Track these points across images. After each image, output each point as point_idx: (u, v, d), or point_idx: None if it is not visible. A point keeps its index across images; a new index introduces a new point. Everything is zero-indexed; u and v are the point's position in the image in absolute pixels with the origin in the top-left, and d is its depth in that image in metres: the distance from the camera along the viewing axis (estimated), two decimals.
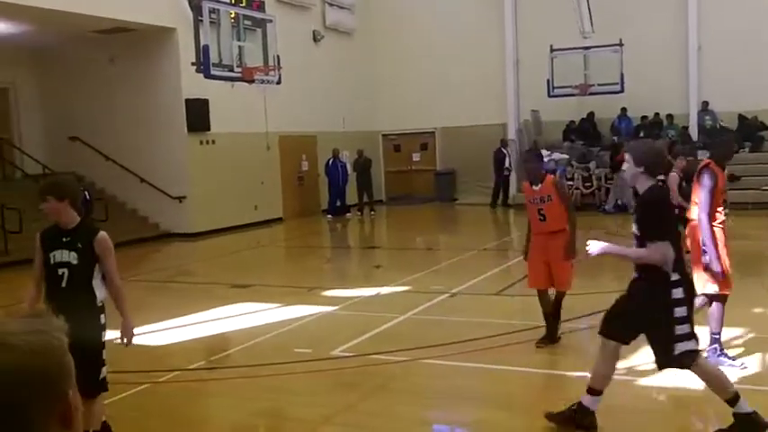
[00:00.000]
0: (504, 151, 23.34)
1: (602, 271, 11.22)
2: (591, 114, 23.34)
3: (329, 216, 21.96)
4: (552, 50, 21.84)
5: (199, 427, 6.03)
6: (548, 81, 22.00)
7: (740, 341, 7.46)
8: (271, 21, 15.33)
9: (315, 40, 23.51)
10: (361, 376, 6.88)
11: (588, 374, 5.32)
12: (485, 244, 15.57)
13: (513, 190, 23.28)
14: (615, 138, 22.27)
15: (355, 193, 22.62)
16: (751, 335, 7.66)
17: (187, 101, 18.19)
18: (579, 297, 9.83)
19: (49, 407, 1.34)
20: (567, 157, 22.61)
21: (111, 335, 5.00)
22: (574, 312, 8.77)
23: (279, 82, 15.47)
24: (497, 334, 7.87)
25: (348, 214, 22.23)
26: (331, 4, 24.09)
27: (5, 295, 9.74)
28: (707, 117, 22.10)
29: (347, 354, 7.42)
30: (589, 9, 21.13)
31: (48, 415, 1.33)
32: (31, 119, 19.78)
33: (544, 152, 22.87)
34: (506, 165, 23.30)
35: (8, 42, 17.97)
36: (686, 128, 22.00)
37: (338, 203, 22.22)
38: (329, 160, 22.23)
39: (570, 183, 21.48)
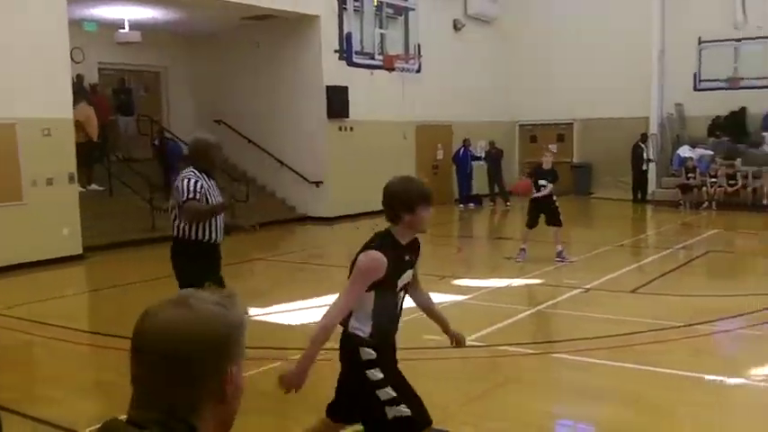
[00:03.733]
0: (642, 146, 22.65)
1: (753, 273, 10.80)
2: (743, 109, 22.26)
3: (461, 206, 22.03)
4: (700, 42, 20.99)
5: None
6: (695, 74, 21.17)
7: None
8: (413, 9, 15.45)
9: (455, 28, 23.55)
10: (490, 366, 6.95)
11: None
12: (620, 240, 15.23)
13: (652, 186, 22.59)
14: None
15: (486, 184, 22.60)
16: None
17: (328, 87, 18.65)
18: (723, 298, 9.54)
19: (210, 374, 1.45)
20: (711, 152, 21.72)
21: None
22: (716, 314, 8.52)
23: (418, 70, 15.59)
24: (630, 332, 7.75)
25: (473, 205, 22.13)
26: None
27: (152, 269, 10.23)
28: None
29: (478, 343, 7.49)
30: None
31: (208, 380, 1.45)
32: (181, 102, 20.83)
33: (686, 148, 22.15)
34: (645, 159, 22.61)
35: (164, 28, 19.00)
36: None
37: (469, 193, 22.25)
38: (459, 149, 22.27)
39: (714, 180, 20.65)
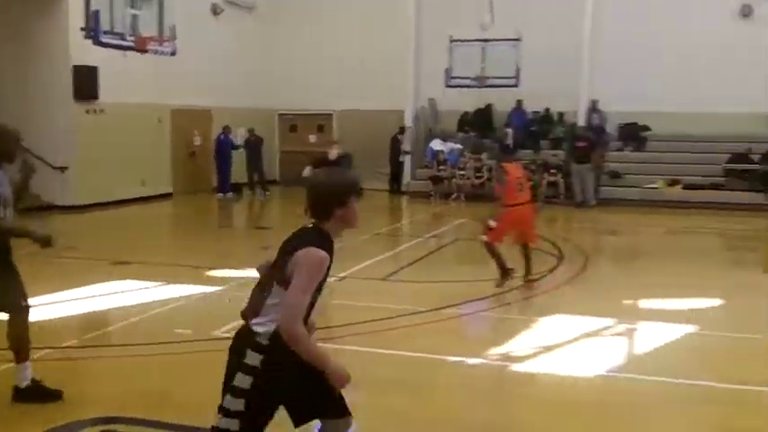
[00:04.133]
0: (400, 138, 23.49)
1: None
2: (489, 106, 23.71)
3: (220, 194, 21.61)
4: (452, 41, 22.06)
5: (73, 405, 5.81)
6: (446, 71, 22.22)
7: (610, 331, 7.81)
8: None
9: (214, 13, 23.02)
10: None
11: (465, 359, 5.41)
12: (377, 229, 15.64)
13: (407, 177, 23.51)
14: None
15: (245, 173, 22.36)
16: (621, 325, 8.01)
17: (75, 67, 17.49)
18: (468, 283, 10.04)
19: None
20: (460, 146, 22.94)
21: None
22: (457, 298, 8.95)
23: (173, 54, 15.02)
24: (381, 318, 7.94)
25: (231, 194, 21.85)
26: None
27: None
28: (595, 116, 22.83)
29: (230, 335, 7.30)
30: (491, 1, 21.44)
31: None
32: None
33: (438, 141, 23.23)
34: (403, 151, 23.46)
35: None
36: (574, 125, 22.67)
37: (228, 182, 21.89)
38: (219, 136, 21.86)
39: (462, 172, 21.82)
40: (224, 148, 21.74)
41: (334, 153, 11.79)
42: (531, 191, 10.11)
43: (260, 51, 24.90)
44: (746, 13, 21.94)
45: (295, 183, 25.19)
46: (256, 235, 15.93)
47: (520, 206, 9.55)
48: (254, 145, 22.40)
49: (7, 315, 5.59)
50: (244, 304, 3.58)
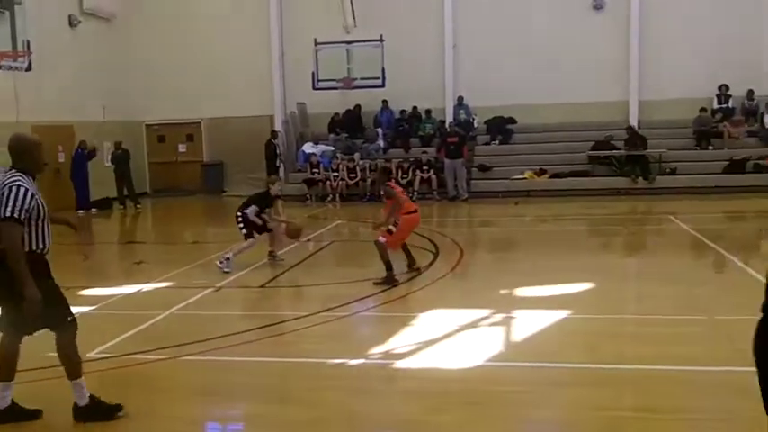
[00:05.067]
0: (275, 143, 23.33)
1: (372, 260, 11.53)
2: (357, 107, 23.88)
3: (80, 211, 20.60)
4: (316, 44, 22.10)
5: None
6: (312, 74, 22.25)
7: (488, 321, 8.01)
8: (19, 3, 14.23)
9: (71, 25, 22.16)
10: (122, 378, 6.58)
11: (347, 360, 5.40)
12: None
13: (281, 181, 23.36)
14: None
15: (114, 187, 21.61)
16: (498, 314, 8.23)
17: None
18: (347, 285, 10.07)
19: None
20: (332, 148, 23.00)
21: None
22: (336, 301, 8.96)
23: (29, 68, 14.41)
24: (262, 326, 7.86)
25: (94, 210, 21.01)
26: None
27: None
28: (461, 111, 23.37)
29: (105, 355, 7.07)
30: (352, 4, 21.62)
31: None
32: None
33: (310, 145, 23.20)
34: (278, 155, 23.29)
35: None
36: (443, 122, 23.14)
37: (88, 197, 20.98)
38: (76, 150, 20.94)
39: (336, 174, 21.88)
40: (81, 163, 20.80)
41: (275, 189, 11.73)
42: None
43: (122, 62, 24.19)
44: (598, 5, 22.98)
45: (166, 194, 24.68)
46: (129, 250, 15.44)
47: (414, 213, 10.50)
48: (121, 158, 21.69)
49: (54, 333, 5.50)
50: None
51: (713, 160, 21.27)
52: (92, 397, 5.59)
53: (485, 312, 8.34)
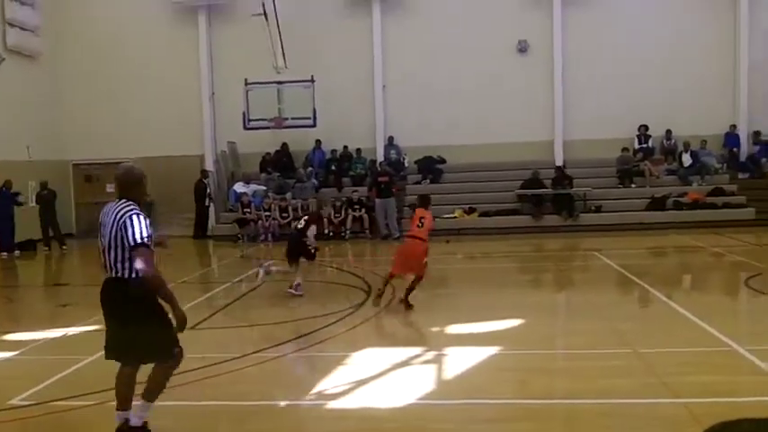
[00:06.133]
0: (205, 182, 23.14)
1: (302, 300, 11.48)
2: (285, 146, 23.87)
3: (3, 254, 20.00)
4: (247, 84, 22.12)
5: None
6: (243, 113, 22.23)
7: (419, 359, 8.07)
8: None
9: None
10: (45, 426, 6.39)
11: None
12: (183, 276, 15.25)
13: (212, 221, 23.16)
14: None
15: (39, 228, 21.08)
16: (430, 352, 8.28)
17: None
18: (277, 326, 9.99)
19: None
20: (264, 188, 22.93)
21: None
22: (269, 341, 8.88)
23: None
24: (192, 368, 7.74)
25: (18, 252, 20.41)
26: (12, 25, 22.40)
27: None
28: (392, 151, 23.62)
29: (27, 402, 6.86)
30: (282, 46, 21.75)
31: None
32: None
33: (241, 184, 23.10)
34: (208, 194, 23.10)
35: None
36: (374, 161, 23.33)
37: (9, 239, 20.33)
38: (0, 191, 20.32)
39: (268, 213, 21.79)
40: (4, 203, 20.20)
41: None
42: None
43: (48, 100, 23.80)
44: (523, 48, 23.62)
45: (94, 235, 24.10)
46: (54, 292, 15.05)
47: None
48: (46, 199, 21.21)
49: (160, 361, 5.67)
50: None
51: (636, 198, 21.97)
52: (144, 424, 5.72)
53: (417, 350, 8.39)
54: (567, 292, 13.49)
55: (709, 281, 14.55)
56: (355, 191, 22.01)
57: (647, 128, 23.14)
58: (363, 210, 21.52)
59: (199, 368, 7.84)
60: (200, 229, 23.11)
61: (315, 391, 7.11)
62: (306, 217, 12.69)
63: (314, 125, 22.07)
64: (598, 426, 5.93)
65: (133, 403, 5.72)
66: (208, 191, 23.05)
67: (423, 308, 11.92)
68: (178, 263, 18.68)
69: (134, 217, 5.38)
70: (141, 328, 5.44)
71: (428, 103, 23.36)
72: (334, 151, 23.86)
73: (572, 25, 23.34)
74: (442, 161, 23.63)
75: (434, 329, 9.65)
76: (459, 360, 7.97)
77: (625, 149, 22.89)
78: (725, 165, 23.07)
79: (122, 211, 5.44)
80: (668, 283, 13.49)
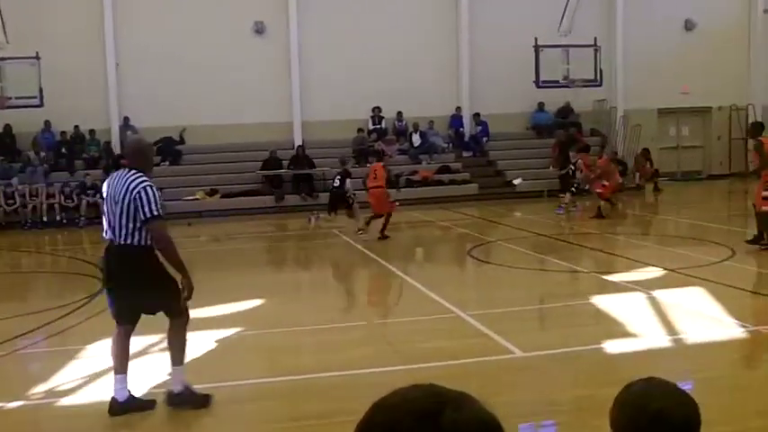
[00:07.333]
0: None
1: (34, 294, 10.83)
2: (8, 127, 22.07)
3: None
4: None
5: None
6: None
7: (160, 346, 7.94)
8: None
9: None
10: None
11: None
12: None
13: None
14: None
15: None
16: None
17: None
18: (4, 321, 9.38)
19: None
20: None
21: None
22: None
23: None
24: None
25: None
26: None
27: None
28: (129, 132, 22.66)
29: None
30: (2, 19, 20.13)
31: None
32: None
33: None
34: None
35: None
36: (109, 143, 22.34)
37: None
38: None
39: None
40: None
41: None
42: None
43: None
44: (260, 29, 23.67)
45: None
46: None
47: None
48: None
49: (173, 318, 6.08)
50: None
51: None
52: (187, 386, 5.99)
53: (156, 338, 8.23)
54: (310, 271, 13.87)
55: (437, 253, 15.64)
56: (87, 174, 20.91)
57: (380, 109, 24.17)
58: (98, 195, 20.52)
59: None
60: None
61: (47, 388, 6.79)
62: (338, 176, 15.79)
63: (41, 105, 20.60)
64: (336, 398, 6.21)
65: (168, 373, 6.17)
66: None
67: None
68: None
69: (148, 189, 5.65)
70: (156, 287, 5.89)
71: (166, 82, 22.67)
72: (63, 133, 22.41)
73: (308, 9, 23.72)
74: (182, 142, 23.09)
75: None
76: (206, 343, 7.93)
77: (360, 130, 23.77)
78: (451, 144, 24.75)
79: (135, 183, 5.64)
80: (401, 257, 14.29)
